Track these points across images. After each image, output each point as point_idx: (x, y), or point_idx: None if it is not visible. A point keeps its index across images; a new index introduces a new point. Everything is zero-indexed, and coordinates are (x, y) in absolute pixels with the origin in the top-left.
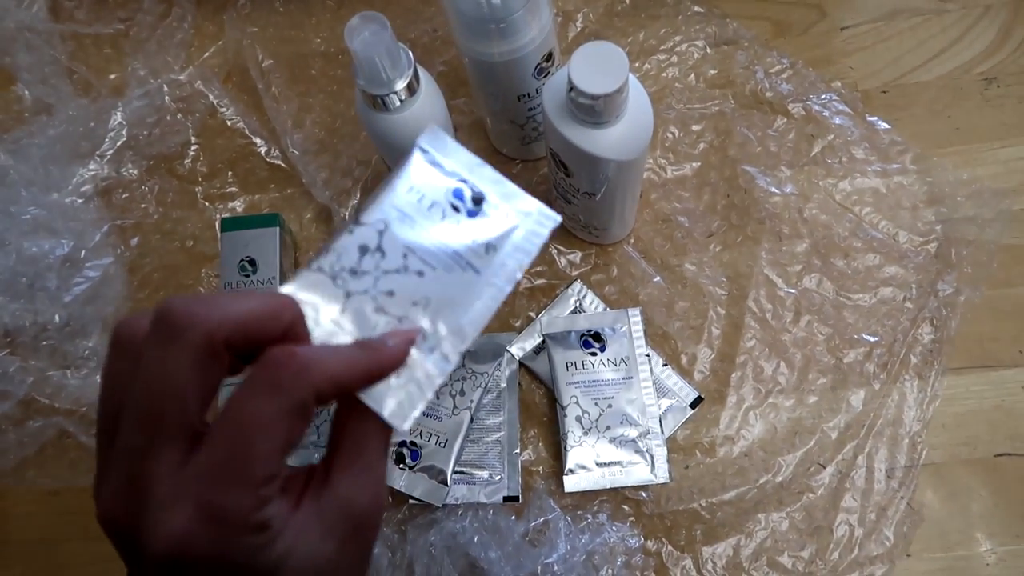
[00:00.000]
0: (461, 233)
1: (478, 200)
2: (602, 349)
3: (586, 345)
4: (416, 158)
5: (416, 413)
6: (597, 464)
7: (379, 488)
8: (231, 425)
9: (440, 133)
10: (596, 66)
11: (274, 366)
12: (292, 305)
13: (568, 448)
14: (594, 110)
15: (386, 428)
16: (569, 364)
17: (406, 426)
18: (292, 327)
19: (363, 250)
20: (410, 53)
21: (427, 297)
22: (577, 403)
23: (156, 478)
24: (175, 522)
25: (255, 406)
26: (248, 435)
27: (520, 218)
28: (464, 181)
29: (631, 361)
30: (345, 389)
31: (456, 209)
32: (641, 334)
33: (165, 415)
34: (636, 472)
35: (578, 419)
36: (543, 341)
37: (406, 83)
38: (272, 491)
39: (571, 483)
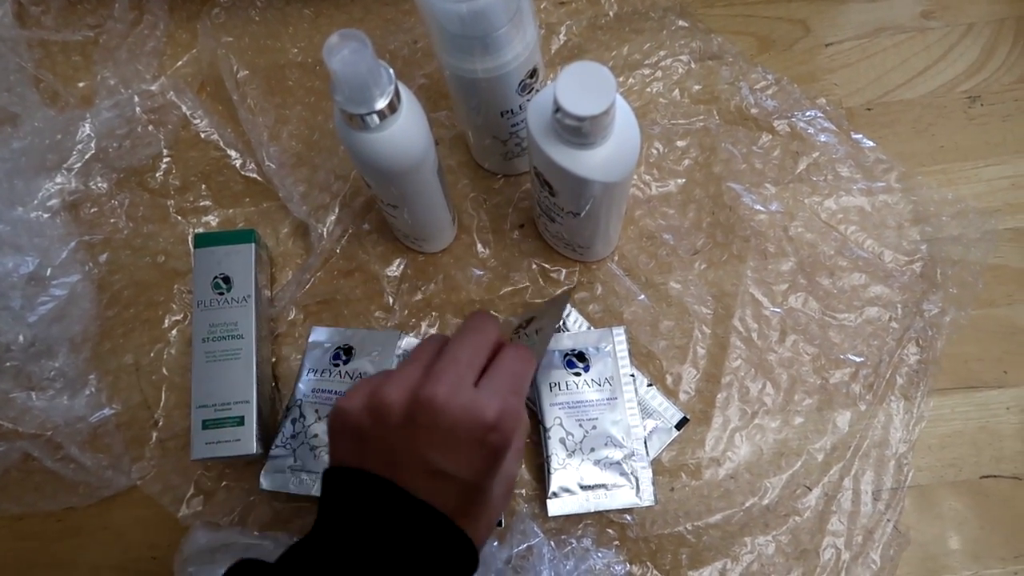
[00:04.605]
0: None
1: None
2: (586, 369)
3: (570, 365)
4: None
5: None
6: (581, 487)
7: None
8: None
9: None
10: (583, 87)
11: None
12: None
13: (552, 471)
14: (580, 131)
15: None
16: (552, 385)
17: None
18: None
19: None
20: (391, 71)
21: None
22: (561, 424)
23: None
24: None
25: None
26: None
27: None
28: None
29: (615, 381)
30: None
31: None
32: (626, 353)
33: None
34: (621, 495)
35: (562, 441)
36: None
37: (387, 102)
38: None
39: (555, 507)
